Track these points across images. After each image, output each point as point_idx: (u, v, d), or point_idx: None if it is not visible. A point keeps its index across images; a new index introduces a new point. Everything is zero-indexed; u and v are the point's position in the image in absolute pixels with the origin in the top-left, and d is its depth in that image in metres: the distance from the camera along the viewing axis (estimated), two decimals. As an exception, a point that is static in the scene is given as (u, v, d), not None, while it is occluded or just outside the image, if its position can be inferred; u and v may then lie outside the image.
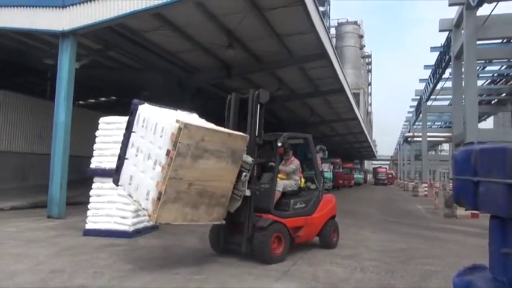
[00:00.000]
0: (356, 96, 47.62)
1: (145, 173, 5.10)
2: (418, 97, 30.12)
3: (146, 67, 15.24)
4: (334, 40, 61.51)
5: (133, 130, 5.49)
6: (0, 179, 14.29)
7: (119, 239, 7.04)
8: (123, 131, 5.77)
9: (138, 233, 7.52)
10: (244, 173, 5.45)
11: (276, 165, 6.30)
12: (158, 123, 5.02)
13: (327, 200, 6.97)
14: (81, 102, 20.92)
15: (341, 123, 30.51)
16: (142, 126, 5.30)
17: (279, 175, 6.44)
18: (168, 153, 4.75)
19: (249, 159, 5.52)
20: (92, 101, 23.01)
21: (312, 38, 12.50)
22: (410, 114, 37.99)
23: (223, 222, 5.56)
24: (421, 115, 30.56)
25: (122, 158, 5.58)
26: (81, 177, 10.83)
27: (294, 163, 6.76)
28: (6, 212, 10.49)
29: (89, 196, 7.79)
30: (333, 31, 64.17)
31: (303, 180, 6.90)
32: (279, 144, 6.11)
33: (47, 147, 10.95)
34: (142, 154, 5.21)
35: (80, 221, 8.15)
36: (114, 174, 5.73)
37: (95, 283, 4.54)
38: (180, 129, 4.66)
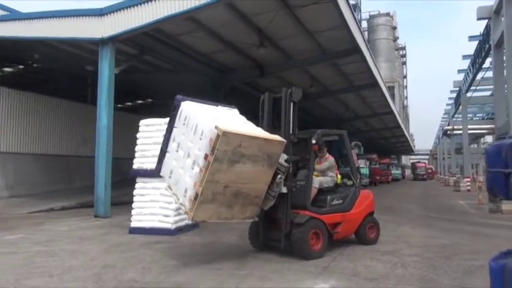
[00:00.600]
0: (391, 89, 46.54)
1: (184, 170, 5.27)
2: (457, 88, 29.01)
3: (180, 69, 15.62)
4: (366, 33, 60.30)
5: (175, 125, 5.59)
6: (49, 181, 15.14)
7: (162, 236, 7.33)
8: (163, 133, 5.97)
9: (180, 230, 7.80)
10: (279, 175, 5.54)
11: (311, 162, 6.34)
12: (198, 125, 5.12)
13: (364, 196, 6.95)
14: (119, 105, 21.68)
15: (376, 118, 29.97)
16: (184, 124, 5.39)
17: (314, 173, 6.48)
18: (206, 157, 4.90)
19: (285, 162, 5.59)
20: (129, 104, 23.81)
21: (343, 33, 12.42)
22: (449, 107, 36.63)
23: (256, 219, 5.77)
24: (460, 107, 29.43)
25: (163, 150, 5.74)
26: (123, 178, 11.33)
27: (328, 160, 6.77)
28: (56, 212, 11.13)
29: (131, 196, 8.16)
30: (364, 24, 62.88)
31: (339, 176, 6.90)
32: (313, 141, 6.15)
33: (91, 150, 11.52)
34: (183, 151, 5.36)
35: (124, 219, 8.53)
36: (157, 164, 5.89)
37: (144, 278, 4.79)
38: (218, 136, 4.77)
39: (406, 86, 77.39)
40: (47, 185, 15.01)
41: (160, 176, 5.96)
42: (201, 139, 5.00)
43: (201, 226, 8.36)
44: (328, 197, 6.39)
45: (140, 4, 10.12)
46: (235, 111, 6.14)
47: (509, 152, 2.31)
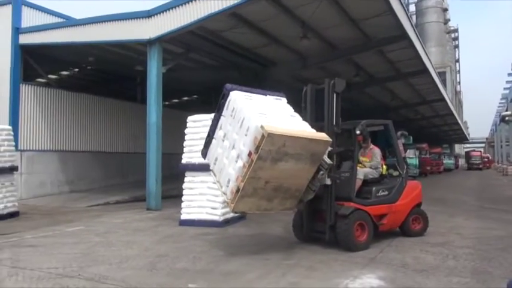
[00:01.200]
0: (442, 75, 44.41)
1: (228, 161, 5.35)
2: (516, 71, 27.20)
3: (225, 65, 15.89)
4: (414, 17, 57.82)
5: (223, 114, 5.61)
6: (105, 177, 16.06)
7: (210, 228, 7.60)
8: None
9: (227, 222, 8.03)
10: (321, 172, 5.49)
11: (356, 153, 6.27)
12: (245, 120, 5.13)
13: (411, 187, 6.78)
14: (167, 102, 22.44)
15: (426, 106, 28.77)
16: (231, 116, 5.41)
17: (359, 164, 6.40)
18: (249, 154, 4.95)
19: (328, 159, 5.53)
20: (176, 101, 24.58)
21: (389, 20, 12.03)
22: (507, 91, 34.42)
23: (295, 210, 5.88)
24: (520, 91, 27.58)
25: (210, 136, 5.83)
26: (173, 173, 11.80)
27: (374, 153, 6.65)
28: (111, 206, 11.83)
29: (181, 189, 8.50)
30: (412, 8, 60.32)
31: (384, 167, 6.76)
32: (358, 132, 6.07)
33: (142, 147, 12.07)
34: (228, 142, 5.42)
35: (175, 212, 8.91)
36: (203, 148, 5.99)
37: (195, 266, 5.04)
38: (263, 136, 4.78)
39: (459, 71, 73.55)
40: (103, 180, 15.93)
41: (206, 159, 6.06)
42: (246, 135, 5.05)
43: (247, 218, 8.55)
44: (374, 188, 6.31)
45: (184, 4, 10.40)
46: (283, 101, 5.99)
47: None
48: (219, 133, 5.66)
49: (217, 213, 7.93)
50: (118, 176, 16.73)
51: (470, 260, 5.22)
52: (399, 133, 6.89)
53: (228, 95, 5.53)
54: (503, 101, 39.99)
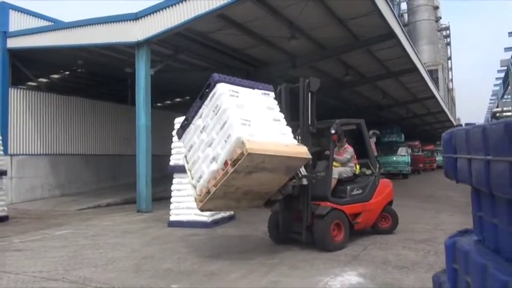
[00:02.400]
0: (434, 73, 44.63)
1: (203, 156, 5.22)
2: (505, 68, 27.41)
3: (215, 66, 15.91)
4: (406, 15, 58.09)
5: (205, 104, 5.33)
6: (96, 180, 16.06)
7: (199, 229, 7.65)
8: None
9: (216, 223, 8.08)
10: (294, 180, 5.48)
11: (331, 153, 6.28)
12: (227, 125, 4.92)
13: (383, 185, 6.82)
14: (158, 104, 22.44)
15: (418, 104, 28.93)
16: (213, 111, 5.15)
17: (334, 163, 6.40)
18: (226, 164, 4.84)
19: (304, 170, 5.49)
20: (168, 102, 24.58)
21: (376, 19, 12.11)
22: (497, 87, 34.69)
23: (262, 206, 5.84)
24: (509, 87, 27.81)
25: (188, 121, 5.59)
26: (163, 175, 11.82)
27: (348, 151, 6.68)
28: (103, 208, 11.84)
29: (170, 191, 8.53)
30: (404, 6, 60.55)
31: (357, 166, 6.81)
32: (333, 131, 6.08)
33: (133, 149, 12.10)
34: (206, 136, 5.23)
35: (165, 214, 8.94)
36: (180, 128, 5.78)
37: (179, 267, 5.09)
38: (243, 153, 4.64)
39: (451, 68, 73.86)
40: (94, 183, 15.92)
41: (180, 140, 5.92)
42: (226, 141, 4.88)
43: (237, 218, 8.62)
44: (348, 187, 6.33)
45: (171, 6, 10.46)
46: (270, 96, 5.70)
47: (456, 139, 2.42)
48: (198, 121, 5.44)
49: (206, 214, 7.93)
50: (109, 178, 16.72)
51: (451, 255, 5.30)
52: (371, 132, 6.95)
53: (213, 86, 5.22)
54: (493, 97, 40.32)
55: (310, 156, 5.36)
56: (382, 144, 27.10)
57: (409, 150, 26.82)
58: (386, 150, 25.82)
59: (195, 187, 5.36)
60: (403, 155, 25.39)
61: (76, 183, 15.23)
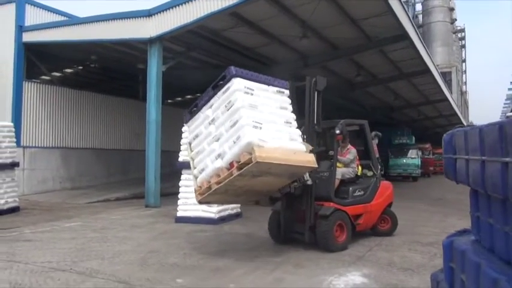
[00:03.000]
0: (448, 75, 44.09)
1: (209, 148, 5.14)
2: (520, 71, 26.96)
3: (226, 63, 15.86)
4: (420, 16, 57.48)
5: (217, 95, 5.17)
6: (106, 174, 16.25)
7: (206, 225, 7.70)
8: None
9: (222, 220, 8.13)
10: (295, 183, 5.47)
11: (335, 153, 6.23)
12: (238, 125, 4.78)
13: (384, 187, 6.77)
14: (169, 101, 22.58)
15: (430, 106, 28.63)
16: (226, 106, 5.00)
17: (337, 164, 6.31)
18: (231, 164, 4.78)
19: (307, 176, 5.46)
20: (179, 99, 24.72)
21: (389, 20, 12.02)
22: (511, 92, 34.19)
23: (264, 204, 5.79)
24: (524, 91, 27.38)
25: (198, 108, 5.45)
26: (173, 170, 11.90)
27: (351, 152, 6.63)
28: (112, 202, 11.97)
29: (178, 187, 8.60)
30: (419, 7, 59.93)
31: (359, 167, 6.76)
32: (337, 131, 6.02)
33: (143, 144, 12.22)
34: (215, 130, 5.11)
35: (172, 209, 9.01)
36: (188, 113, 5.62)
37: (185, 262, 5.14)
38: (251, 160, 4.55)
39: (465, 71, 72.94)
40: (104, 177, 16.11)
41: (187, 125, 5.77)
42: (234, 142, 4.76)
43: (243, 216, 8.66)
44: (350, 188, 6.30)
45: (184, 3, 10.52)
46: (285, 94, 5.48)
47: (456, 140, 2.43)
48: (207, 111, 5.29)
49: (213, 210, 8.02)
50: (119, 173, 16.90)
51: (457, 259, 5.27)
52: (373, 133, 6.84)
53: (229, 80, 5.02)
54: (508, 101, 39.75)
55: (316, 166, 5.29)
56: (393, 146, 26.91)
57: (420, 153, 26.55)
58: (397, 153, 25.61)
59: (196, 177, 5.32)
60: (413, 158, 25.16)
61: (86, 176, 15.43)
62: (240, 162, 4.69)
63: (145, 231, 7.32)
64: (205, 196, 5.19)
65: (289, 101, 5.48)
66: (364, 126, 6.83)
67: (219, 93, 5.15)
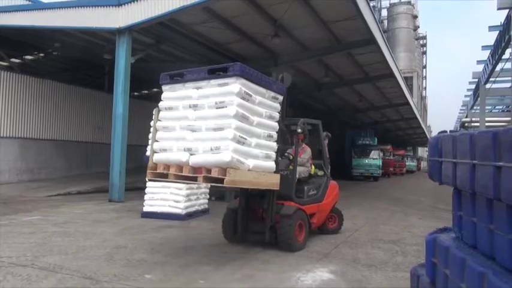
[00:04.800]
0: (409, 80, 45.76)
1: (179, 134, 4.81)
2: (476, 80, 28.44)
3: (197, 59, 15.82)
4: (385, 22, 59.23)
5: (211, 82, 4.68)
6: (67, 167, 15.69)
7: (172, 221, 7.63)
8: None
9: (189, 216, 8.08)
10: None
11: (296, 152, 6.12)
12: (222, 134, 4.42)
13: (332, 187, 6.84)
14: (136, 93, 22.07)
15: (392, 109, 29.69)
16: (216, 103, 4.56)
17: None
18: (199, 170, 4.53)
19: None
20: (146, 92, 24.19)
21: (358, 24, 12.35)
22: (468, 98, 35.95)
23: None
24: (479, 99, 28.88)
25: (183, 79, 4.92)
26: (139, 165, 11.67)
27: (306, 151, 6.61)
28: (73, 196, 11.59)
29: (145, 182, 8.44)
30: (384, 12, 61.76)
31: (313, 167, 6.77)
32: (299, 130, 5.91)
33: (107, 137, 11.89)
34: (194, 116, 4.71)
35: (138, 204, 8.86)
36: (168, 76, 5.08)
37: (152, 258, 5.07)
38: (221, 180, 4.32)
39: (425, 77, 75.96)
40: (65, 170, 15.55)
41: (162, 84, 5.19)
42: (212, 150, 4.43)
43: (211, 212, 8.64)
44: (305, 187, 6.24)
45: (156, -6, 10.31)
46: (278, 101, 5.16)
47: (443, 145, 2.58)
48: (191, 91, 4.81)
49: (180, 206, 7.97)
50: (81, 166, 16.38)
51: (417, 256, 5.51)
52: (324, 134, 6.84)
53: (231, 76, 4.54)
54: (463, 107, 41.72)
55: (278, 188, 5.13)
56: (356, 146, 27.69)
57: (381, 154, 27.47)
58: (360, 153, 26.37)
59: (153, 152, 5.03)
60: (375, 158, 26.02)
61: (46, 169, 14.84)
62: (209, 174, 4.41)
63: (109, 226, 7.14)
64: (153, 174, 4.98)
65: (279, 108, 5.19)
66: (318, 126, 6.78)
67: (213, 81, 4.69)
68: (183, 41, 13.85)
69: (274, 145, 5.06)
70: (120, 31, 10.80)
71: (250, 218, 5.81)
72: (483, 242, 2.09)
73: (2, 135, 13.46)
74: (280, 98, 5.17)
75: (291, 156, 6.25)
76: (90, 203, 9.96)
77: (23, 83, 14.28)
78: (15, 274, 4.23)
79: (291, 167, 6.15)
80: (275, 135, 5.07)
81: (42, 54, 18.15)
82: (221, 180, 4.31)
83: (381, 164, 26.26)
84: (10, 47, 15.14)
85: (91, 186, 12.93)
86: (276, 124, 5.10)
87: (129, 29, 10.82)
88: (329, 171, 6.84)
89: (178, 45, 14.43)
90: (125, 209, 9.12)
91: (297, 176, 6.10)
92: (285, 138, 6.00)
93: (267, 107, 4.94)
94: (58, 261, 4.74)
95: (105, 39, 13.26)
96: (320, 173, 6.84)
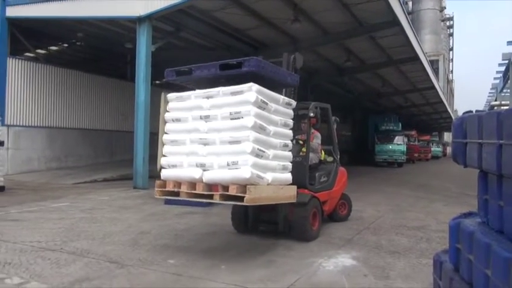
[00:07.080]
0: (435, 63, 44.44)
1: (189, 149, 4.53)
2: (506, 61, 27.37)
3: (216, 45, 15.78)
4: (410, 4, 57.46)
5: (222, 90, 4.37)
6: (93, 155, 16.06)
7: (195, 207, 7.70)
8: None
9: (211, 203, 8.11)
10: None
11: (308, 137, 5.83)
12: (240, 148, 4.10)
13: (341, 173, 6.62)
14: (158, 82, 22.26)
15: (417, 94, 28.94)
16: (231, 113, 4.23)
17: (303, 148, 6.01)
18: (215, 188, 4.25)
19: None
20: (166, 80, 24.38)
21: (381, 5, 12.02)
22: (497, 81, 34.71)
23: None
24: (509, 81, 27.85)
25: (192, 77, 4.72)
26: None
27: (316, 136, 6.34)
28: (98, 183, 11.88)
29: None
30: (409, -6, 59.92)
31: (323, 152, 6.54)
32: (312, 114, 5.63)
33: (130, 125, 12.07)
34: (205, 128, 4.40)
35: (161, 191, 8.97)
36: (176, 73, 4.88)
37: (176, 243, 5.17)
38: (240, 198, 4.03)
39: (452, 60, 73.71)
40: (91, 158, 15.93)
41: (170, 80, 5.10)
42: (229, 165, 4.12)
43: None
44: (316, 174, 5.96)
45: (175, -18, 10.29)
46: (291, 106, 4.88)
47: (468, 125, 2.47)
48: (201, 101, 4.50)
49: (202, 193, 8.02)
50: (106, 154, 16.73)
51: (442, 243, 5.38)
52: (333, 118, 6.56)
53: (248, 78, 4.23)
54: (493, 91, 40.38)
55: (295, 200, 4.86)
56: (379, 132, 27.24)
57: (406, 140, 26.94)
58: (383, 139, 25.94)
59: (161, 167, 4.83)
60: (399, 144, 25.54)
61: (72, 157, 15.23)
62: (226, 191, 4.10)
63: (134, 212, 7.30)
64: (167, 197, 4.77)
65: (292, 115, 4.92)
66: (328, 110, 6.42)
67: (225, 89, 4.33)
68: (203, 28, 13.81)
69: (290, 155, 4.78)
70: (140, 19, 10.85)
71: (262, 207, 5.28)
72: (510, 226, 2.02)
73: (30, 125, 13.87)
74: (294, 103, 4.90)
75: (301, 142, 6.03)
76: (115, 190, 10.19)
77: (49, 73, 14.60)
78: (45, 258, 4.38)
79: (301, 152, 5.87)
80: (290, 144, 4.80)
81: (66, 45, 18.50)
82: (241, 199, 4.01)
83: (405, 149, 25.75)
84: (36, 38, 15.47)
85: (116, 174, 13.21)
86: (291, 132, 4.84)
87: (149, 17, 10.86)
88: (338, 157, 6.60)
89: (197, 32, 14.39)
90: (148, 196, 9.27)
91: (309, 162, 5.86)
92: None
93: (281, 114, 4.66)
94: (85, 246, 4.88)
95: (126, 28, 13.36)
96: (329, 159, 6.62)
